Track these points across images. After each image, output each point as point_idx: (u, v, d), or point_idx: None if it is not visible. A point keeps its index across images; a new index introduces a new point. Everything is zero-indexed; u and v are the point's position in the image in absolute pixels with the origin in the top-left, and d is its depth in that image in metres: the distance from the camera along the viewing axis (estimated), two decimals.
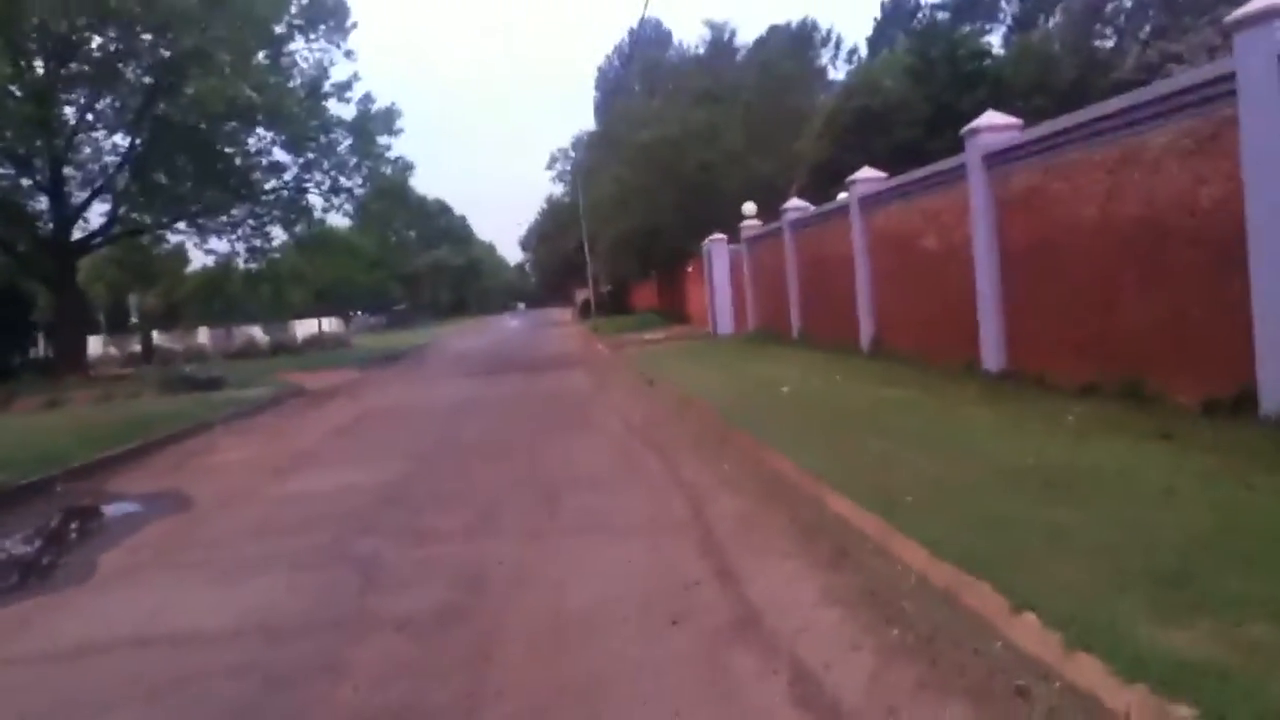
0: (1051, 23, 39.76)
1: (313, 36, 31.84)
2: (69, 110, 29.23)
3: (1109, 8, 35.56)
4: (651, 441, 10.21)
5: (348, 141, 33.86)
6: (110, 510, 8.80)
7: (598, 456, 9.68)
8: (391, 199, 37.39)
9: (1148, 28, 33.28)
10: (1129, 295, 8.80)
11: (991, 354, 11.30)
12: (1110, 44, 35.49)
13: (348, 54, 33.91)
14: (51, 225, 29.06)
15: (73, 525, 8.08)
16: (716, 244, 28.09)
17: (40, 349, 34.33)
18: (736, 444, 9.22)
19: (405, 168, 36.18)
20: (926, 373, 12.37)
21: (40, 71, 27.60)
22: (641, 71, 51.93)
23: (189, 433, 14.13)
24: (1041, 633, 3.67)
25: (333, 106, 33.46)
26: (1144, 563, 4.22)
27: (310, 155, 33.30)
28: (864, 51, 55.10)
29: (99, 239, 31.80)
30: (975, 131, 11.35)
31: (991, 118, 11.37)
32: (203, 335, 52.90)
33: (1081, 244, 9.44)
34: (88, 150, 31.05)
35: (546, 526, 6.79)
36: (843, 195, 17.12)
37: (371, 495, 8.52)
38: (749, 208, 25.89)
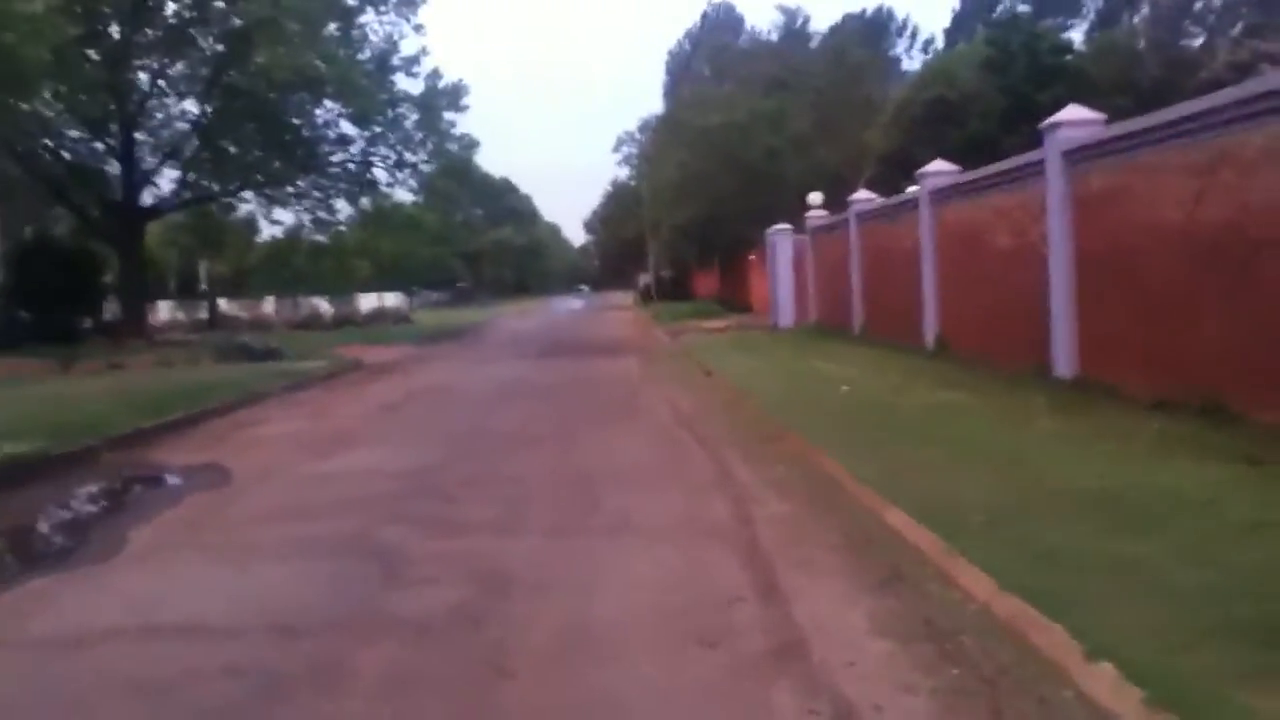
0: (1136, 19, 38.45)
1: (383, 9, 31.81)
2: (142, 76, 29.61)
3: (1198, 5, 34.25)
4: (701, 436, 9.85)
5: (414, 116, 33.84)
6: (148, 482, 8.70)
7: (643, 449, 9.36)
8: (456, 176, 37.37)
9: (1239, 25, 31.98)
10: (1212, 306, 8.22)
11: (1062, 360, 10.75)
12: (1198, 42, 34.19)
13: (417, 28, 33.70)
14: (121, 190, 29.45)
15: (108, 497, 7.98)
16: (780, 234, 27.55)
17: (111, 312, 34.89)
18: (790, 444, 8.83)
19: (470, 145, 36.13)
20: (992, 376, 11.83)
21: (115, 36, 27.93)
22: (711, 56, 51.33)
23: (239, 404, 14.07)
24: (1119, 685, 3.26)
25: (401, 81, 33.48)
26: (1233, 611, 3.78)
27: (377, 129, 33.35)
28: (940, 43, 53.96)
29: (167, 205, 32.18)
30: (1056, 126, 10.77)
31: (1074, 112, 10.78)
32: (269, 304, 53.64)
33: (1164, 249, 8.85)
34: (159, 116, 31.41)
35: (581, 524, 6.47)
36: (912, 188, 16.55)
37: (407, 479, 8.28)
38: (815, 197, 25.36)
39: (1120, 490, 5.76)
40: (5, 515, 7.48)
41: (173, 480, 8.77)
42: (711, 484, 7.54)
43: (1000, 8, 48.83)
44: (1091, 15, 47.11)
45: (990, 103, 26.90)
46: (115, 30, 28.16)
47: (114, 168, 29.94)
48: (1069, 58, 28.33)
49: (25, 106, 23.62)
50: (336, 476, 8.65)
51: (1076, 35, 41.83)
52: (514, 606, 4.82)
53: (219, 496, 7.99)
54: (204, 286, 52.05)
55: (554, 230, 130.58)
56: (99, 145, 29.88)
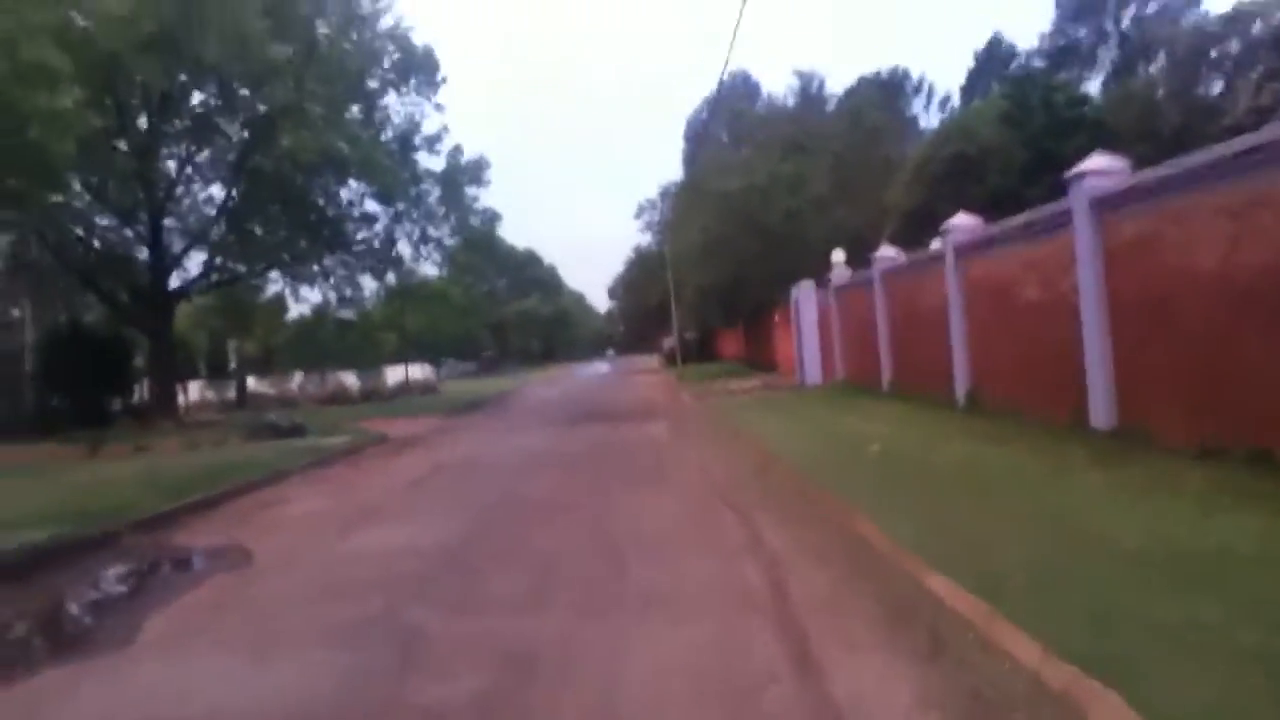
0: (1153, 68, 38.51)
1: (404, 90, 32.45)
2: (170, 164, 30.21)
3: (1214, 53, 34.26)
4: (731, 502, 9.62)
5: (437, 193, 34.36)
6: (168, 567, 8.56)
7: (672, 518, 9.13)
8: (479, 249, 37.74)
9: (1259, 69, 31.93)
10: (1254, 352, 7.97)
11: (1100, 410, 10.47)
12: (1217, 89, 34.14)
13: (438, 107, 34.51)
14: (149, 275, 29.87)
15: (127, 583, 7.85)
16: (804, 292, 27.43)
17: (141, 395, 35.18)
18: (822, 508, 8.59)
19: (492, 218, 36.57)
20: (1027, 430, 11.56)
21: (143, 127, 28.55)
22: (728, 121, 51.76)
23: (263, 482, 13.98)
24: None
25: (423, 159, 34.06)
26: None
27: (400, 206, 33.83)
28: (956, 100, 54.27)
29: (194, 288, 32.60)
30: (1081, 175, 10.63)
31: (1098, 161, 10.64)
32: (297, 381, 54.02)
33: (1201, 295, 8.63)
34: (186, 202, 31.96)
35: (608, 601, 6.25)
36: (936, 243, 16.42)
37: (430, 557, 8.10)
38: (838, 255, 25.25)
39: (1171, 546, 5.49)
40: (25, 603, 7.38)
41: (193, 564, 8.63)
42: (743, 551, 7.31)
43: (1015, 63, 49.19)
44: (1107, 67, 47.30)
45: (1010, 156, 26.89)
46: (143, 121, 28.81)
47: (142, 253, 30.38)
48: (1087, 109, 28.35)
49: (58, 198, 24.10)
50: (358, 556, 8.48)
51: (1093, 87, 41.96)
52: (538, 694, 4.61)
53: (239, 580, 7.84)
54: (233, 366, 52.49)
55: (578, 298, 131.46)
56: (128, 232, 30.38)
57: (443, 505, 11.29)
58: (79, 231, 28.99)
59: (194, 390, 50.80)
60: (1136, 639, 4.03)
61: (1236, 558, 5.18)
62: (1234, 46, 33.29)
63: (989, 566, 5.42)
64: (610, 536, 8.35)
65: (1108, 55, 47.86)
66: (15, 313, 36.35)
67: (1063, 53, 47.63)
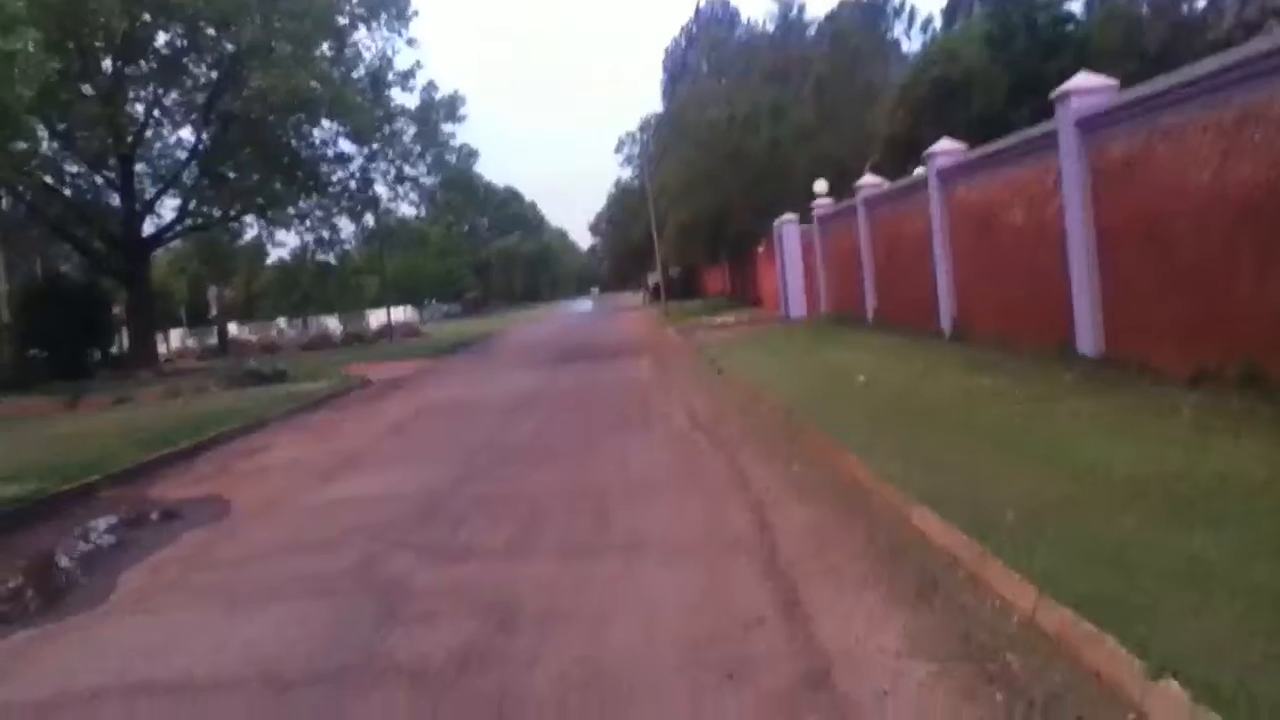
0: None
1: (374, 26, 31.65)
2: (138, 108, 29.47)
3: None
4: (717, 439, 9.49)
5: (412, 130, 33.67)
6: (144, 520, 8.39)
7: (658, 457, 9.00)
8: (458, 188, 37.13)
9: None
10: (1248, 270, 7.78)
11: (1087, 337, 10.32)
12: (1202, 3, 33.54)
13: (410, 42, 33.65)
14: (122, 222, 29.30)
15: (101, 538, 7.68)
16: (787, 225, 27.15)
17: (121, 345, 34.79)
18: (808, 443, 8.46)
19: (470, 155, 36.08)
20: (1014, 358, 11.42)
21: (108, 70, 27.79)
22: (708, 51, 50.89)
23: (243, 430, 13.80)
24: (1189, 710, 2.87)
25: (396, 96, 33.33)
26: None
27: (375, 145, 33.17)
28: (939, 23, 53.33)
29: (169, 234, 32.04)
30: (1067, 95, 10.33)
31: (1085, 79, 10.34)
32: (279, 327, 53.60)
33: (1192, 214, 8.42)
34: (156, 146, 31.27)
35: (593, 543, 6.11)
36: (920, 170, 16.14)
37: (412, 503, 7.96)
38: (820, 185, 24.94)
39: (1167, 475, 5.35)
40: None
41: (170, 517, 8.44)
42: (728, 491, 7.18)
43: None
44: None
45: (994, 79, 26.38)
46: (108, 64, 28.04)
47: (114, 200, 29.76)
48: (1071, 28, 27.81)
49: (22, 145, 23.46)
50: (339, 504, 8.33)
51: (1076, 7, 41.22)
52: (524, 642, 4.46)
53: (216, 532, 7.68)
54: (213, 313, 52.01)
55: (561, 235, 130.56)
56: (98, 179, 29.74)
57: (424, 450, 11.13)
58: (48, 179, 28.35)
59: (175, 338, 50.45)
60: (1135, 577, 3.88)
61: (1237, 484, 5.04)
62: None
63: (978, 501, 5.28)
64: (595, 480, 8.20)
65: None
66: None
67: None
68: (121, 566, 6.76)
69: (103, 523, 8.30)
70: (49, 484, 9.40)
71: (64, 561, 7.09)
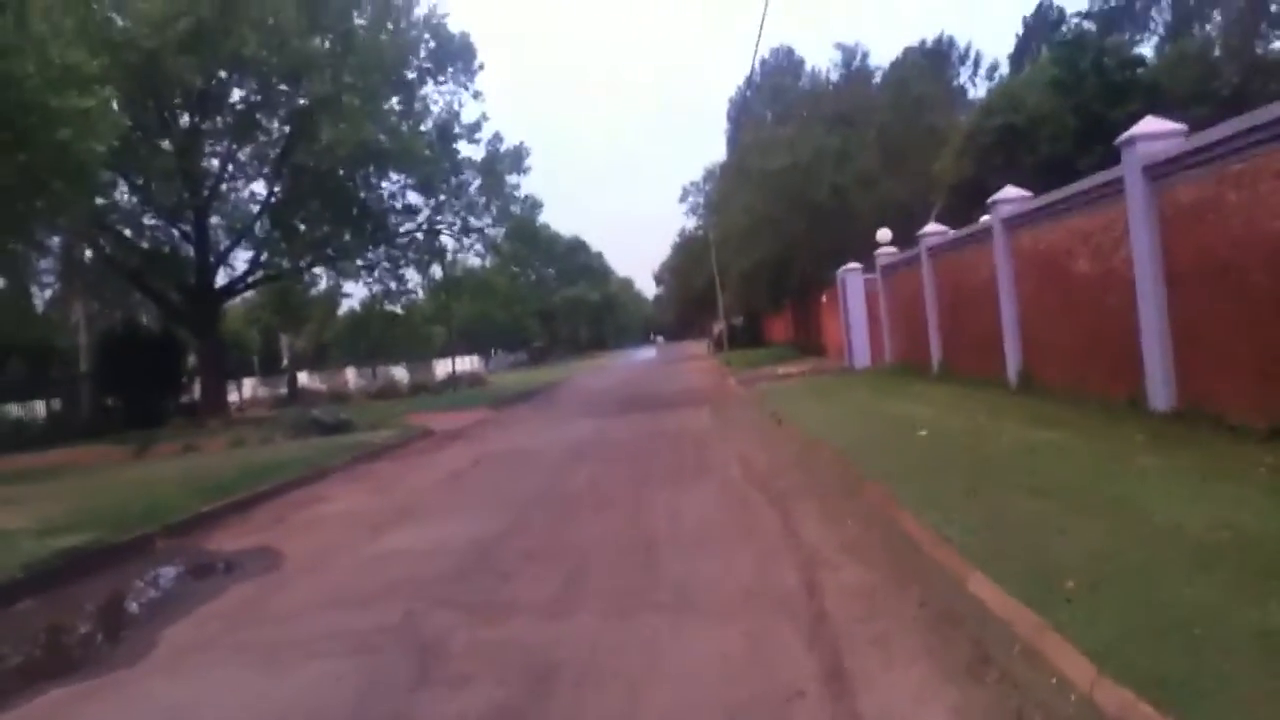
0: (1209, 27, 37.11)
1: (441, 80, 32.29)
2: (213, 162, 30.39)
3: (1275, 7, 32.88)
4: (772, 493, 9.28)
5: (477, 182, 34.16)
6: (196, 572, 8.43)
7: (710, 511, 8.81)
8: (523, 238, 37.50)
9: None
10: None
11: (1158, 389, 9.92)
12: (1277, 45, 32.74)
13: (476, 95, 34.17)
14: (197, 273, 30.11)
15: (152, 590, 7.72)
16: (851, 273, 26.86)
17: (194, 394, 35.57)
18: (865, 499, 8.21)
19: (534, 205, 36.31)
20: (1082, 410, 11.03)
21: (185, 125, 28.75)
22: (771, 98, 51.03)
23: (303, 480, 13.90)
24: None
25: (463, 148, 33.88)
26: None
27: (441, 197, 33.71)
28: (1005, 68, 52.90)
29: (241, 285, 32.84)
30: (1133, 141, 10.05)
31: (1151, 124, 10.05)
32: (349, 375, 54.47)
33: (1265, 264, 8.07)
34: (231, 199, 32.16)
35: (637, 602, 5.94)
36: (985, 217, 15.84)
37: (460, 556, 7.88)
38: (883, 234, 24.65)
39: (1241, 541, 5.03)
40: (42, 614, 7.29)
41: (221, 569, 8.48)
42: (779, 548, 6.96)
43: (1064, 28, 47.74)
44: (1160, 29, 45.79)
45: (1061, 124, 25.96)
46: (185, 120, 29.02)
47: (189, 252, 30.62)
48: (1141, 72, 27.31)
49: (100, 200, 24.33)
50: (389, 556, 8.29)
51: (1147, 50, 40.58)
52: (557, 708, 4.33)
53: (265, 585, 7.66)
54: (285, 362, 53.08)
55: (627, 284, 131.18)
56: (174, 231, 30.66)
57: (478, 501, 11.08)
58: (126, 232, 29.30)
59: (247, 387, 51.52)
60: (1204, 654, 3.61)
61: None
62: None
63: (1039, 567, 5.02)
64: (645, 533, 8.05)
65: (1161, 16, 46.37)
66: (73, 318, 37.01)
67: (1113, 15, 46.16)
68: (167, 620, 6.76)
69: (154, 575, 8.36)
70: (106, 534, 9.50)
71: (111, 615, 7.12)
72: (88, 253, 31.56)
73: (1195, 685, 3.34)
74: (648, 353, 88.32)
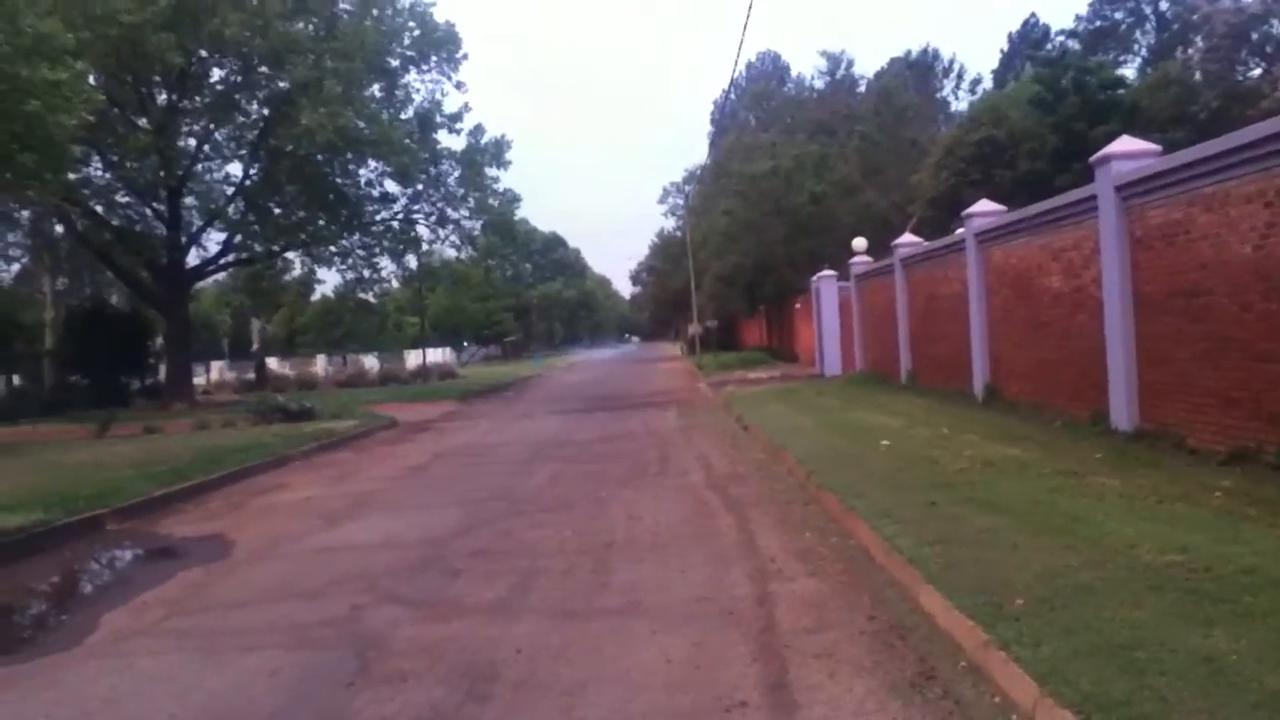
0: (1191, 51, 37.48)
1: (425, 69, 31.94)
2: (190, 142, 29.95)
3: (1255, 35, 33.25)
4: (730, 499, 9.21)
5: (456, 173, 33.82)
6: (141, 558, 8.27)
7: (667, 515, 8.72)
8: (500, 231, 37.13)
9: None
10: None
11: (1121, 409, 9.94)
12: (1257, 72, 33.13)
13: (459, 85, 33.79)
14: (167, 253, 29.68)
15: (94, 574, 7.55)
16: (825, 280, 26.91)
17: (159, 375, 35.11)
18: (823, 508, 8.17)
19: (512, 200, 35.89)
20: (1045, 427, 11.06)
21: (163, 103, 28.33)
22: (754, 103, 51.13)
23: (261, 467, 13.72)
24: None
25: (443, 138, 33.52)
26: None
27: (419, 187, 33.35)
28: (988, 83, 53.23)
29: (211, 267, 32.42)
30: (1107, 159, 10.06)
31: (1125, 144, 10.07)
32: (319, 362, 53.99)
33: (1233, 286, 8.08)
34: (205, 180, 31.69)
35: (584, 605, 5.86)
36: (959, 230, 15.87)
37: (412, 551, 7.77)
38: (859, 243, 24.71)
39: (1192, 565, 5.00)
40: None
41: (168, 555, 8.31)
42: (734, 556, 6.88)
43: (1049, 45, 48.12)
44: (1143, 51, 46.19)
45: (1041, 141, 26.16)
46: (163, 98, 28.59)
47: (160, 230, 30.16)
48: (1122, 92, 27.54)
49: (71, 175, 23.89)
50: (340, 549, 8.16)
51: (1129, 71, 40.94)
52: (493, 711, 4.24)
53: (210, 573, 7.51)
54: (254, 346, 52.55)
55: (604, 283, 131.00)
56: (147, 210, 30.18)
57: (436, 495, 10.95)
58: (98, 208, 28.83)
59: (215, 370, 50.99)
60: (1150, 678, 3.56)
61: (1264, 580, 4.67)
62: (1276, 28, 32.30)
63: (989, 583, 4.97)
64: (600, 535, 7.96)
65: (1145, 38, 46.80)
66: (40, 293, 36.48)
67: (1098, 35, 46.60)
68: (107, 606, 6.62)
69: (100, 558, 8.18)
70: (54, 515, 9.29)
71: (51, 597, 6.96)
72: (58, 227, 31.08)
73: (1135, 708, 3.29)
74: (622, 352, 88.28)
